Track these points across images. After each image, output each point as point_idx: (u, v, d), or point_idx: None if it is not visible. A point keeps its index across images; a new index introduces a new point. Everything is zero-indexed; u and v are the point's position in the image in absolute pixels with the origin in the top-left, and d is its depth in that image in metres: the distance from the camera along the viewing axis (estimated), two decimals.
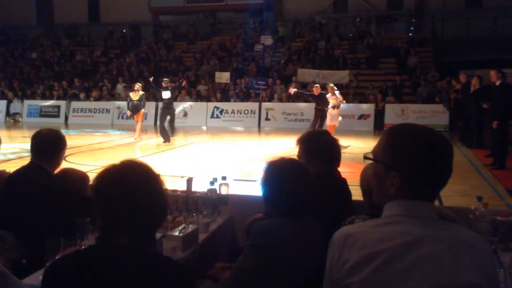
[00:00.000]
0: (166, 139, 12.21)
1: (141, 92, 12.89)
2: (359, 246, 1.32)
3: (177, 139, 13.08)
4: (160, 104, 13.26)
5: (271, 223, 2.09)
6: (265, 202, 2.18)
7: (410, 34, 21.99)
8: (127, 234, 1.42)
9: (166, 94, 12.31)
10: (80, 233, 2.25)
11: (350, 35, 22.15)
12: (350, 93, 17.28)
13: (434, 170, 1.33)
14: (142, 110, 13.06)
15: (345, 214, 2.31)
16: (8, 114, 19.92)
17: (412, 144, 1.34)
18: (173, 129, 12.87)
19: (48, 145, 2.84)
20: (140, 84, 13.33)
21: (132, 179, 1.45)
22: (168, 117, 12.60)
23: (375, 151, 1.42)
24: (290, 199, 2.08)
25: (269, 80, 19.02)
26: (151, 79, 13.80)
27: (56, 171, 2.88)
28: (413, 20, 22.45)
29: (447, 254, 1.25)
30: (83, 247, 2.17)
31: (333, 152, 2.55)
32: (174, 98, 13.15)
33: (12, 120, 19.51)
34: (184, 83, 14.33)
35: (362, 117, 16.83)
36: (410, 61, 19.27)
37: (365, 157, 1.49)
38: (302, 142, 2.55)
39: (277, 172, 2.10)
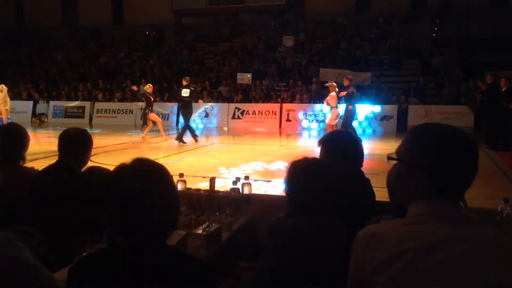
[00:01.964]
0: (195, 137, 12.29)
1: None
2: (383, 246, 1.32)
3: (199, 140, 13.17)
4: (179, 103, 13.34)
5: (294, 223, 2.10)
6: (288, 202, 2.19)
7: (434, 35, 21.67)
8: (142, 232, 1.43)
9: (185, 92, 12.37)
10: (106, 231, 2.29)
11: (373, 36, 21.94)
12: (372, 94, 17.13)
13: (459, 169, 1.32)
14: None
15: (368, 214, 2.30)
16: (34, 114, 20.38)
17: (436, 143, 1.33)
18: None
19: (75, 144, 2.90)
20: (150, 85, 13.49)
21: (144, 178, 1.46)
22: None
23: (398, 151, 1.41)
24: (314, 198, 2.08)
25: (290, 81, 19.01)
26: (134, 87, 13.91)
27: (82, 170, 2.94)
28: (437, 20, 22.12)
29: (474, 254, 1.24)
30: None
31: (356, 152, 2.54)
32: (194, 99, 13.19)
33: (38, 121, 19.94)
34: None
35: (384, 118, 16.67)
36: (434, 62, 18.99)
37: (389, 157, 1.49)
38: (324, 142, 2.55)
39: (301, 171, 2.10)
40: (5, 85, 12.86)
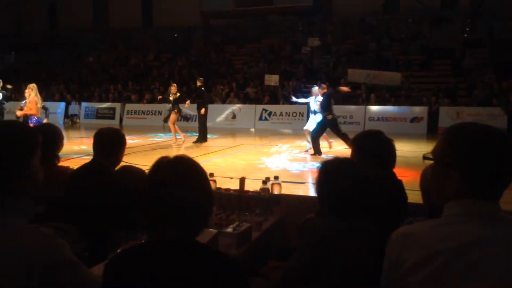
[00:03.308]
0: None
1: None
2: (418, 246, 1.31)
3: (226, 141, 13.28)
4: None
5: (325, 223, 2.10)
6: (319, 202, 2.19)
7: (465, 35, 21.20)
8: (177, 228, 1.45)
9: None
10: (140, 227, 2.35)
11: (402, 36, 21.63)
12: (401, 95, 16.89)
13: (495, 169, 1.30)
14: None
15: (400, 216, 2.28)
16: (66, 115, 20.89)
17: (472, 142, 1.32)
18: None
19: (109, 143, 2.97)
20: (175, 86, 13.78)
21: (184, 173, 1.49)
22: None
23: (434, 151, 1.41)
24: (345, 199, 2.08)
25: (318, 83, 18.90)
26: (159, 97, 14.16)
27: (116, 168, 3.01)
28: (468, 20, 21.64)
29: (508, 254, 1.22)
30: (143, 241, 2.26)
31: (388, 152, 2.52)
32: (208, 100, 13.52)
33: (70, 121, 20.43)
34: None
35: (414, 120, 16.41)
36: (465, 63, 18.59)
37: (425, 157, 1.48)
38: (356, 143, 2.53)
39: (332, 172, 2.10)
40: (38, 86, 13.21)
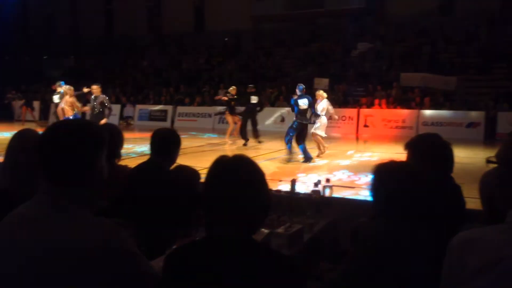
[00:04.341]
0: (246, 140, 12.91)
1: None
2: (481, 251, 1.28)
3: (275, 144, 13.32)
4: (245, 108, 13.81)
5: (380, 227, 2.07)
6: (373, 205, 2.16)
7: None
8: (235, 226, 1.49)
9: (254, 99, 13.15)
10: (194, 225, 2.41)
11: (458, 38, 20.87)
12: (457, 99, 16.31)
13: None
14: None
15: (458, 222, 2.22)
16: (121, 117, 21.66)
17: None
18: (256, 132, 13.32)
19: (165, 143, 3.08)
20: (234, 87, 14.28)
21: (244, 172, 1.52)
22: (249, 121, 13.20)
23: (499, 154, 1.37)
24: (400, 203, 2.04)
25: (369, 86, 18.61)
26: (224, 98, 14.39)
27: (171, 168, 3.11)
28: None
29: None
30: (197, 238, 2.32)
31: (446, 156, 2.45)
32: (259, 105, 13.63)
33: (125, 123, 21.16)
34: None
35: (471, 125, 15.78)
36: None
37: (488, 161, 1.44)
38: (412, 146, 2.48)
39: (388, 174, 2.06)
40: None
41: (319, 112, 10.62)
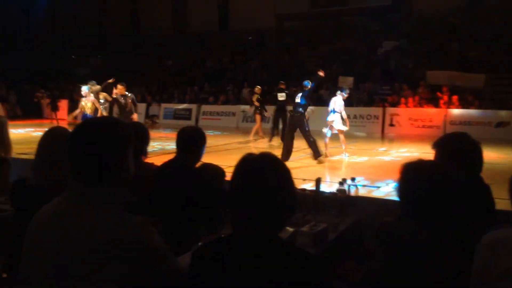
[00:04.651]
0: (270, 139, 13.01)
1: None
2: (510, 252, 1.26)
3: (299, 143, 13.26)
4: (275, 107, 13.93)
5: (405, 226, 2.04)
6: (400, 205, 2.14)
7: None
8: (261, 223, 1.49)
9: (281, 96, 12.82)
10: (219, 222, 2.43)
11: (486, 35, 20.36)
12: (486, 98, 15.92)
13: None
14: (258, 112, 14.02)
15: (487, 222, 2.17)
16: (147, 115, 21.94)
17: None
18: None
19: (190, 141, 3.11)
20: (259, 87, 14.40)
21: (270, 170, 1.52)
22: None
23: None
24: (427, 202, 2.01)
25: (395, 85, 18.35)
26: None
27: (196, 165, 3.14)
28: None
29: None
30: (222, 235, 2.34)
31: (475, 155, 2.40)
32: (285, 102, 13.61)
33: (150, 121, 21.42)
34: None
35: (500, 125, 15.39)
36: None
37: None
38: (441, 144, 2.43)
39: (415, 173, 2.03)
40: None
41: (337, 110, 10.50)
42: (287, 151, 9.84)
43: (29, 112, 23.15)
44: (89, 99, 11.55)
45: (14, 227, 2.45)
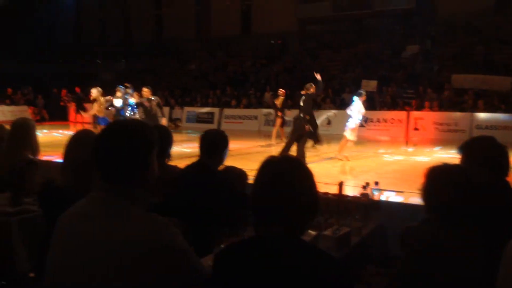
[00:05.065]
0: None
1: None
2: None
3: (321, 147, 13.26)
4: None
5: (430, 231, 2.03)
6: (425, 209, 2.11)
7: None
8: (283, 225, 1.49)
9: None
10: (242, 224, 2.44)
11: None
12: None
13: None
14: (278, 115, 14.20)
15: None
16: (170, 119, 22.17)
17: None
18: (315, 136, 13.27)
19: (213, 144, 3.13)
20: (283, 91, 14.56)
21: (293, 173, 1.53)
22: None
23: None
24: (452, 207, 1.99)
25: (420, 88, 18.10)
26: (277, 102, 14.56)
27: (219, 168, 3.16)
28: None
29: None
30: (245, 237, 2.35)
31: (501, 160, 2.35)
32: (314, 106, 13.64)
33: (173, 125, 21.64)
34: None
35: None
36: None
37: None
38: (467, 149, 2.39)
39: (441, 178, 2.01)
40: None
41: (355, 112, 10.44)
42: (287, 149, 9.92)
43: (56, 115, 23.67)
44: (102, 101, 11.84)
45: (42, 227, 2.51)
